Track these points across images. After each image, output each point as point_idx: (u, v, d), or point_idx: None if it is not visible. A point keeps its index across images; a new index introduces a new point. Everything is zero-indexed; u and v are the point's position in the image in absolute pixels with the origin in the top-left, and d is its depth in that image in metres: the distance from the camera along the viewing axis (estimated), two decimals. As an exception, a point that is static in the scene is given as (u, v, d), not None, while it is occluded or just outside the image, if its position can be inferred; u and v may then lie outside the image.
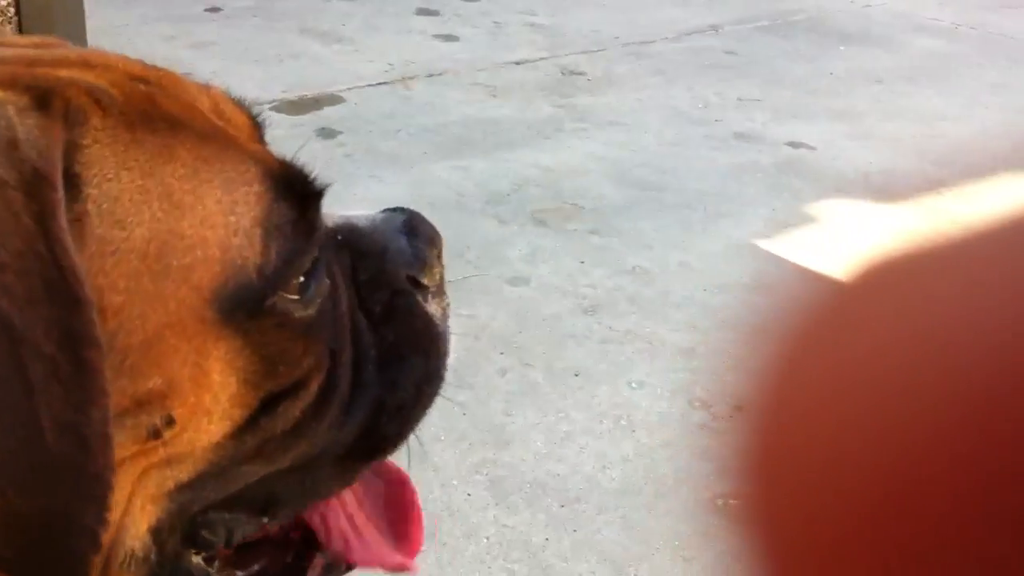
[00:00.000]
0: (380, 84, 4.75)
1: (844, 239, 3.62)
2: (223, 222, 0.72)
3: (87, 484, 0.62)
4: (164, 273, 0.69)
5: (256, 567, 0.90)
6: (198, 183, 0.72)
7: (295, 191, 0.78)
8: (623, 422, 2.53)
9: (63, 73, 0.72)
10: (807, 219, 3.75)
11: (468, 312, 2.91)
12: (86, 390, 0.61)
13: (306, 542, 0.95)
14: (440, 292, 0.96)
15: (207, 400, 0.72)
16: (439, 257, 0.96)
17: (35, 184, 0.61)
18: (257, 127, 0.86)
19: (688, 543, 2.13)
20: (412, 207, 0.98)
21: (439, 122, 4.37)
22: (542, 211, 3.66)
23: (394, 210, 0.98)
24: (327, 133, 4.13)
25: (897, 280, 0.27)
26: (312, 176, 0.81)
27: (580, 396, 2.63)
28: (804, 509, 0.26)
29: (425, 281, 0.93)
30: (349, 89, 4.65)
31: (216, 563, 0.85)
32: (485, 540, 2.10)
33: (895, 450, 0.23)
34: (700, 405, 2.62)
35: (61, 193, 0.62)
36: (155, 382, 0.69)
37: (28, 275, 0.59)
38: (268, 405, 0.77)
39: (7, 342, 0.58)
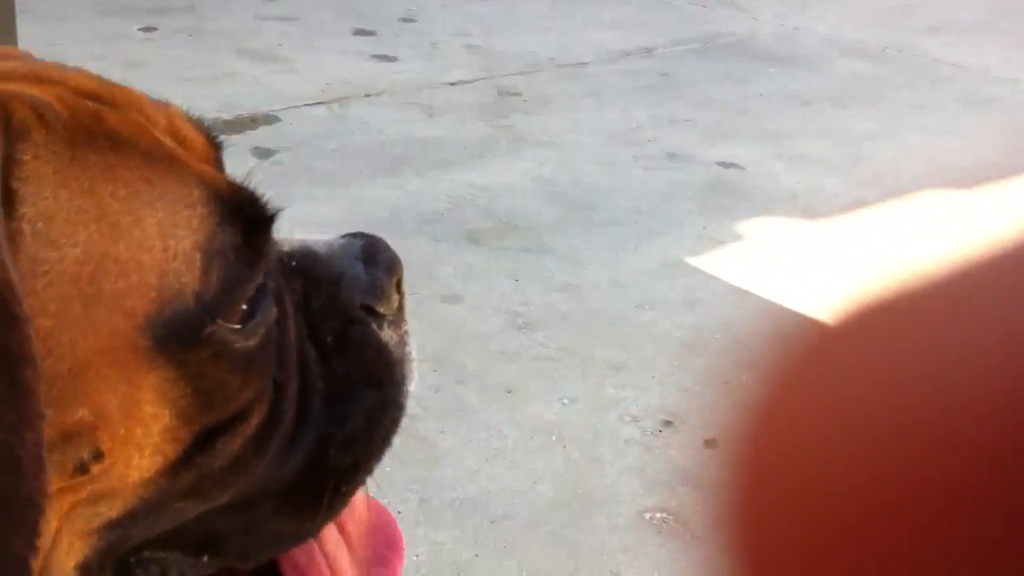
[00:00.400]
0: (316, 104, 4.76)
1: (772, 257, 3.69)
2: (161, 246, 0.69)
3: (18, 509, 0.59)
4: (96, 298, 0.65)
5: None
6: (138, 204, 0.69)
7: (242, 215, 0.74)
8: (554, 438, 2.56)
9: (8, 86, 0.70)
10: (736, 237, 3.82)
11: (401, 330, 2.93)
12: (20, 412, 0.58)
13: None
14: (398, 320, 0.92)
15: (138, 433, 0.69)
16: (399, 285, 0.93)
17: None
18: (214, 147, 0.83)
19: (615, 557, 2.16)
20: (348, 226, 0.96)
21: (375, 141, 4.39)
22: (476, 230, 3.69)
23: (354, 235, 0.94)
24: (262, 152, 4.13)
25: (887, 318, 0.26)
26: (262, 200, 0.78)
27: (512, 413, 2.65)
28: (791, 540, 0.25)
29: (381, 310, 0.89)
30: (285, 109, 4.65)
31: None
32: (415, 558, 2.11)
33: (889, 484, 0.23)
34: (630, 420, 2.66)
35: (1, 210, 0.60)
36: (83, 413, 0.65)
37: None
38: (204, 439, 0.73)
39: None
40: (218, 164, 0.82)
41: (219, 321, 0.71)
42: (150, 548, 0.77)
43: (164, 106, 0.81)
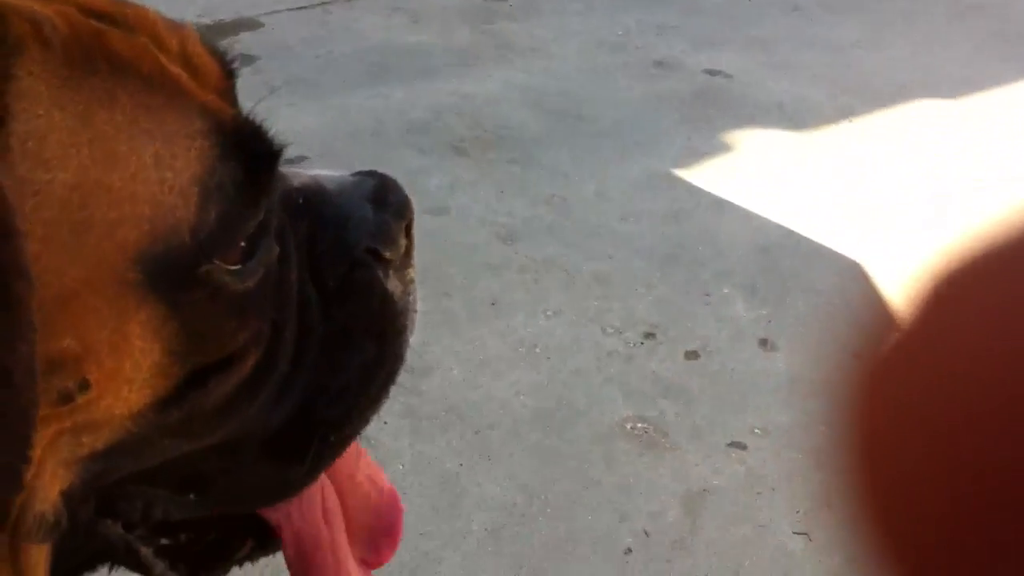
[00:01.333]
0: (299, 8, 4.69)
1: (757, 168, 3.69)
2: (157, 177, 0.66)
3: (10, 421, 0.59)
4: (86, 226, 0.63)
5: (182, 538, 0.86)
6: (135, 132, 0.66)
7: (246, 150, 0.72)
8: (537, 350, 2.59)
9: (10, 3, 0.66)
10: (722, 148, 3.81)
11: (386, 242, 2.94)
12: (13, 324, 0.58)
13: (244, 528, 0.91)
14: (404, 267, 0.89)
15: (127, 367, 0.67)
16: (408, 230, 0.90)
17: None
18: (228, 76, 0.79)
19: (596, 466, 2.21)
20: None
21: (358, 48, 4.34)
22: (462, 140, 3.67)
23: (367, 174, 0.91)
24: (245, 60, 4.07)
25: (984, 282, 0.26)
26: (268, 135, 0.76)
27: (496, 324, 2.68)
28: (916, 501, 0.25)
29: (387, 255, 0.86)
30: (268, 14, 4.58)
31: (137, 531, 0.81)
32: (400, 467, 2.15)
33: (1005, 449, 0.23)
34: (613, 332, 2.69)
35: None
36: (69, 343, 0.64)
37: None
38: (196, 378, 0.72)
39: None
40: (230, 94, 0.78)
41: (215, 260, 0.69)
42: (135, 482, 0.76)
43: (179, 29, 0.76)
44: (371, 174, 0.91)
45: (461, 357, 2.54)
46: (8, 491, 0.61)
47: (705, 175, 3.60)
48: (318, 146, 3.27)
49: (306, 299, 0.81)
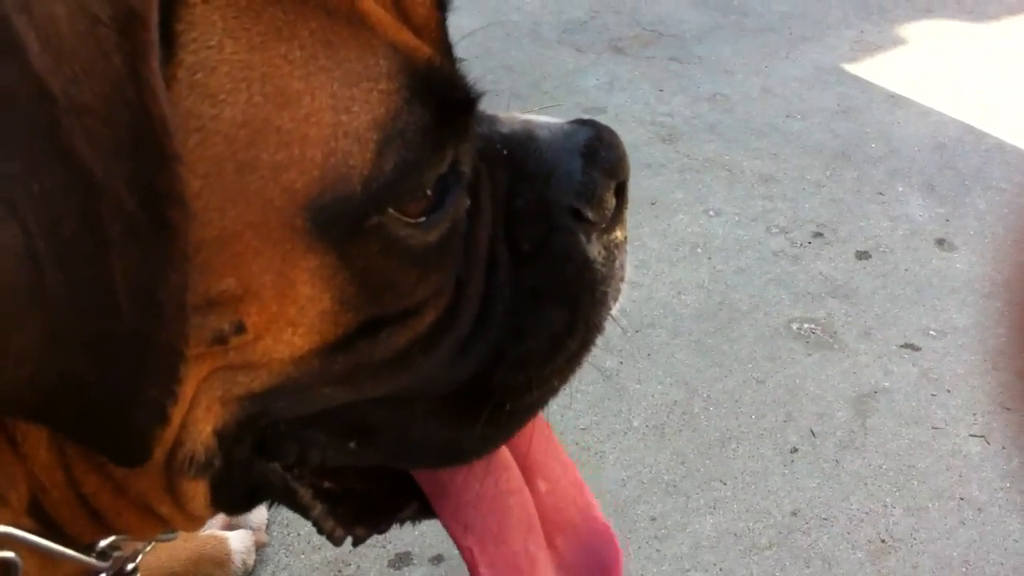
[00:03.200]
0: (454, -89, 4.62)
1: (933, 62, 3.48)
2: (332, 120, 0.62)
3: (156, 354, 0.57)
4: (252, 166, 0.60)
5: (342, 486, 0.84)
6: (313, 70, 0.61)
7: (436, 95, 0.66)
8: (699, 249, 2.53)
9: None
10: (896, 41, 3.61)
11: (544, 142, 2.89)
12: (166, 253, 0.55)
13: (406, 493, 0.88)
14: (610, 230, 0.81)
15: (291, 312, 0.64)
16: (621, 190, 0.82)
17: (130, 23, 0.53)
18: (439, 8, 0.73)
19: (761, 366, 2.15)
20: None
21: (515, -51, 4.26)
22: (620, 39, 3.58)
23: (582, 123, 0.83)
24: (401, -37, 4.06)
25: None
26: (463, 81, 0.70)
27: (656, 224, 2.62)
28: None
29: (591, 216, 0.79)
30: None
31: (295, 471, 0.79)
32: (560, 363, 2.14)
33: None
34: (778, 232, 2.60)
35: (156, 35, 0.54)
36: (229, 283, 0.62)
37: (114, 122, 0.52)
38: (368, 328, 0.68)
39: (84, 195, 0.52)
40: (438, 28, 0.72)
41: (390, 211, 0.65)
42: (294, 425, 0.74)
43: None
44: (587, 123, 0.83)
45: (621, 256, 2.49)
46: (152, 424, 0.59)
47: (878, 70, 3.41)
48: (476, 49, 3.23)
49: (496, 258, 0.76)
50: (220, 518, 1.64)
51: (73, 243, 0.52)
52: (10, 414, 0.58)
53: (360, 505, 0.85)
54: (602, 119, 2.71)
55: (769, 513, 1.81)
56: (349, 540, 0.86)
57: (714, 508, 1.82)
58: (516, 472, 0.91)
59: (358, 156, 0.62)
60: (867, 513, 1.82)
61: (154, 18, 0.54)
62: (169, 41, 0.57)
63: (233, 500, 0.76)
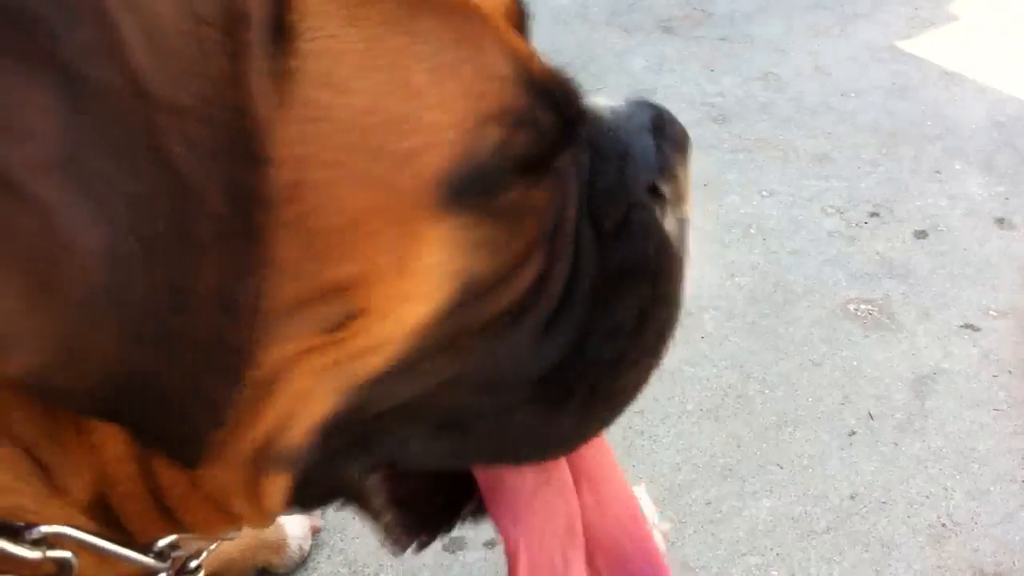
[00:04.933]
0: None
1: (991, 39, 3.41)
2: (464, 108, 0.62)
3: (225, 356, 0.56)
4: (378, 154, 0.59)
5: (408, 491, 0.83)
6: (438, 65, 0.61)
7: (550, 109, 0.67)
8: (752, 230, 2.50)
9: None
10: (951, 17, 3.54)
11: (594, 124, 2.87)
12: (251, 257, 0.54)
13: (465, 489, 0.87)
14: (679, 204, 0.83)
15: (410, 284, 0.64)
16: (685, 164, 0.84)
17: (234, 23, 0.52)
18: (521, 15, 0.74)
19: (818, 348, 2.12)
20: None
21: (561, -69, 4.23)
22: (668, 18, 3.54)
23: (640, 103, 0.85)
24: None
25: None
26: (577, 90, 0.72)
27: (709, 206, 2.59)
28: None
29: (667, 191, 0.80)
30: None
31: (372, 475, 0.79)
32: (613, 347, 2.12)
33: None
34: (833, 212, 2.56)
35: (261, 35, 0.53)
36: (348, 269, 0.61)
37: (212, 124, 0.51)
38: (468, 296, 0.68)
39: (176, 197, 0.51)
40: (523, 29, 0.73)
41: (511, 179, 0.66)
42: (392, 418, 0.73)
43: None
44: (645, 103, 0.84)
45: (672, 238, 2.47)
46: (208, 426, 0.58)
47: (933, 47, 3.35)
48: (523, 30, 3.20)
49: (580, 236, 0.76)
50: (275, 502, 1.65)
51: (160, 245, 0.51)
52: (78, 411, 0.57)
53: (426, 511, 0.85)
54: (651, 100, 2.67)
55: (827, 497, 1.79)
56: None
57: (770, 492, 1.80)
58: (568, 476, 0.90)
59: (487, 138, 0.63)
60: (927, 497, 1.79)
61: (260, 17, 0.53)
62: (285, 31, 0.56)
63: (309, 499, 0.76)
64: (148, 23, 0.49)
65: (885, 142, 2.85)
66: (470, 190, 0.63)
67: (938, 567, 1.66)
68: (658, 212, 0.79)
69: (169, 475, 0.66)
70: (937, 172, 2.72)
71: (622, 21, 3.51)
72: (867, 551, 1.69)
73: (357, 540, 1.69)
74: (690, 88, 3.13)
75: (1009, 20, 3.50)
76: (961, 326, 2.18)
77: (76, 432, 0.62)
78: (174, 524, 0.70)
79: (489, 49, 0.64)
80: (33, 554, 0.61)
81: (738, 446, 1.88)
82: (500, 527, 0.85)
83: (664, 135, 0.81)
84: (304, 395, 0.64)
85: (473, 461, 0.81)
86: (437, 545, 1.65)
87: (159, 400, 0.55)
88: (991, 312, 2.22)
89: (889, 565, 1.67)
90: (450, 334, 0.68)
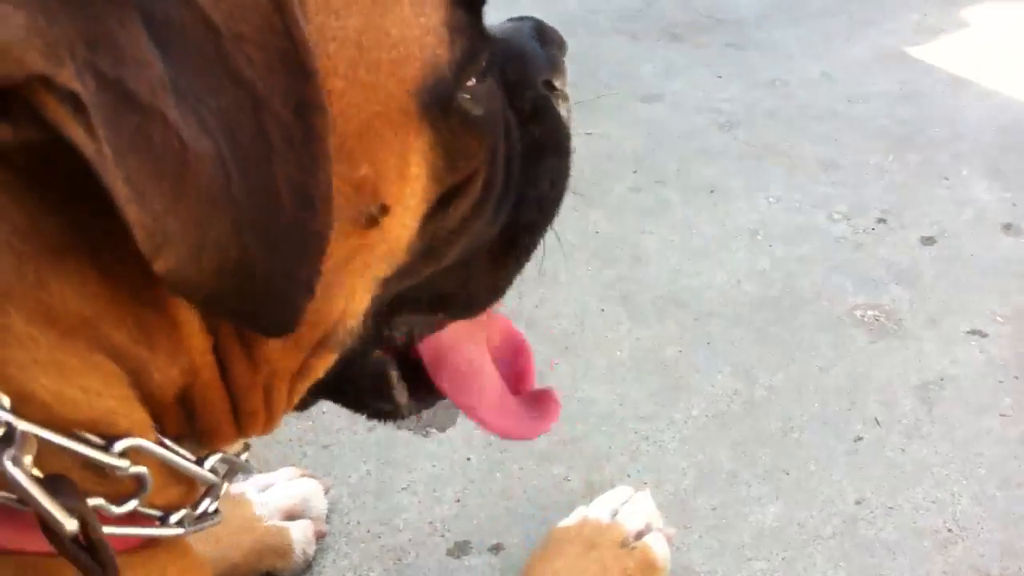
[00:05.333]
0: (508, -98, 4.62)
1: (998, 45, 3.41)
2: (417, 23, 0.76)
3: (309, 240, 0.66)
4: (376, 65, 0.73)
5: (411, 366, 1.01)
6: None
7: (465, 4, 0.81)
8: (759, 237, 2.50)
9: None
10: (959, 24, 3.54)
11: (600, 131, 2.88)
12: (315, 154, 0.64)
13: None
14: (566, 96, 1.01)
15: (406, 193, 0.78)
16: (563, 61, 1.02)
17: None
18: None
19: (824, 355, 2.12)
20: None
21: (569, -62, 4.24)
22: (676, 25, 3.54)
23: (519, 18, 1.04)
24: (455, -45, 4.06)
25: None
26: None
27: (715, 212, 2.59)
28: None
29: (558, 85, 0.99)
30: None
31: (386, 359, 0.96)
32: (618, 353, 2.13)
33: None
34: (840, 218, 2.56)
35: None
36: (366, 169, 0.74)
37: (266, 47, 0.61)
38: (443, 202, 0.83)
39: (252, 109, 0.61)
40: None
41: (460, 86, 0.80)
42: (399, 304, 0.88)
43: None
44: (523, 18, 1.04)
45: (678, 245, 2.47)
46: (303, 298, 0.67)
47: (941, 53, 3.35)
48: (530, 37, 3.21)
49: (509, 124, 0.93)
50: (280, 508, 1.65)
51: (248, 149, 0.61)
52: (191, 299, 0.64)
53: (424, 380, 1.03)
54: (659, 106, 2.69)
55: (833, 502, 1.79)
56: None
57: (776, 498, 1.79)
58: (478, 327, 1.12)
59: (440, 47, 0.77)
60: (933, 502, 1.79)
61: None
62: None
63: (329, 385, 0.88)
64: None
65: (892, 148, 2.85)
66: (436, 100, 0.77)
67: (944, 572, 1.66)
68: (555, 100, 0.99)
69: (239, 363, 0.76)
70: (944, 178, 2.72)
71: (629, 27, 3.52)
72: (873, 556, 1.69)
73: (362, 545, 1.69)
74: (697, 94, 3.13)
75: (1017, 26, 3.50)
76: (968, 332, 2.18)
77: (168, 330, 0.70)
78: (234, 419, 0.79)
79: None
80: (122, 462, 0.69)
81: (744, 452, 1.88)
82: (453, 399, 1.06)
83: (549, 40, 1.01)
84: (351, 290, 0.79)
85: (453, 319, 1.00)
86: (442, 549, 1.66)
87: (263, 282, 0.64)
88: (998, 318, 2.22)
89: (895, 570, 1.66)
90: (430, 240, 0.84)
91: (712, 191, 2.67)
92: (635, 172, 2.74)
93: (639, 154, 2.82)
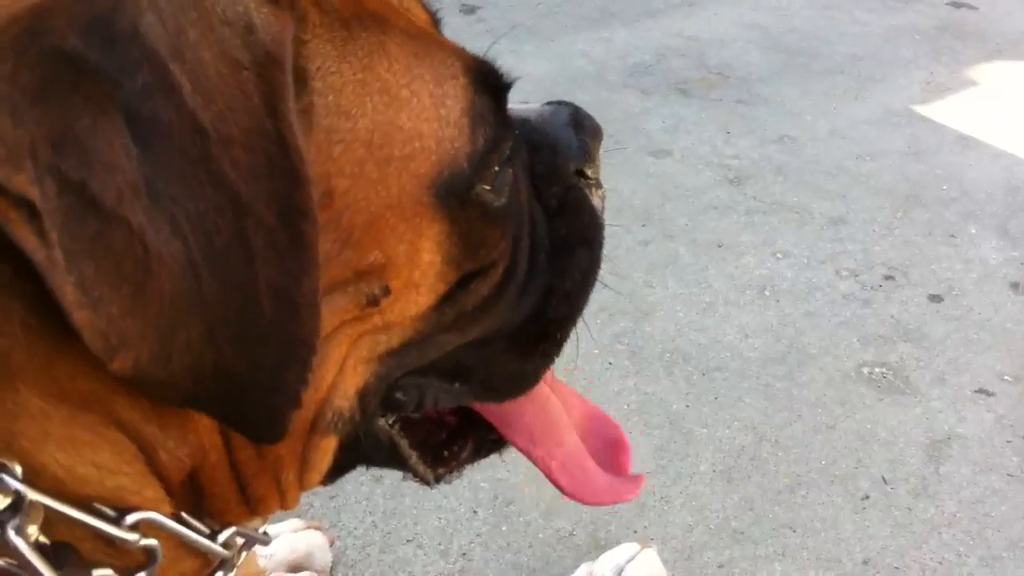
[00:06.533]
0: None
1: (1005, 103, 3.43)
2: (436, 115, 0.76)
3: (294, 347, 0.65)
4: (386, 161, 0.73)
5: (423, 435, 0.99)
6: (412, 78, 0.76)
7: (490, 83, 0.82)
8: (767, 292, 2.50)
9: None
10: (967, 83, 3.57)
11: (610, 186, 2.89)
12: (300, 261, 0.63)
13: (469, 424, 1.04)
14: (599, 184, 1.00)
15: (417, 275, 0.78)
16: (598, 150, 1.01)
17: (267, 66, 0.63)
18: (436, 22, 0.88)
19: (831, 411, 2.12)
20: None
21: (581, -6, 4.29)
22: (685, 81, 3.58)
23: (557, 103, 1.02)
24: (467, 9, 4.11)
25: None
26: (502, 69, 0.85)
27: (723, 267, 2.60)
28: None
29: (590, 174, 0.98)
30: (490, -36, 4.60)
31: (397, 426, 0.93)
32: (626, 407, 2.13)
33: None
34: (848, 274, 2.57)
35: (290, 77, 0.64)
36: (375, 255, 0.74)
37: (254, 150, 0.61)
38: (463, 283, 0.83)
39: (233, 213, 0.60)
40: (439, 29, 0.88)
41: (481, 181, 0.80)
42: (414, 376, 0.88)
43: None
44: (561, 103, 1.02)
45: (686, 299, 2.48)
46: (288, 407, 0.67)
47: (948, 111, 3.37)
48: (541, 93, 3.25)
49: (533, 216, 0.93)
50: (285, 561, 1.65)
51: (224, 254, 0.60)
52: (170, 400, 0.65)
53: (439, 449, 1.01)
54: (667, 161, 2.71)
55: (840, 562, 1.78)
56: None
57: (783, 555, 1.79)
58: (548, 393, 1.11)
59: (459, 139, 0.77)
60: (940, 563, 1.78)
61: (288, 61, 0.64)
62: (300, 75, 0.67)
63: (349, 459, 0.87)
64: (195, 69, 0.60)
65: (900, 205, 2.87)
66: (452, 192, 0.78)
67: (952, 635, 1.65)
68: (586, 191, 0.97)
69: (244, 449, 0.76)
70: (952, 236, 2.73)
71: (639, 83, 3.56)
72: (880, 617, 1.68)
73: (367, 598, 1.69)
74: (706, 150, 3.16)
75: (1022, 86, 3.53)
76: (975, 391, 2.18)
77: (177, 412, 0.70)
78: (244, 501, 0.79)
79: (440, 54, 0.78)
80: (131, 536, 0.68)
81: (751, 508, 1.88)
82: (525, 452, 1.05)
83: (583, 128, 0.99)
84: (344, 363, 0.77)
85: (470, 401, 0.98)
86: (447, 604, 1.65)
87: (243, 388, 0.64)
88: (1005, 377, 2.22)
89: (902, 632, 1.65)
90: (454, 316, 0.84)
91: (720, 246, 2.69)
92: (644, 226, 2.76)
93: (648, 208, 2.84)
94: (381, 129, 0.73)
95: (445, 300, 0.82)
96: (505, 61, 0.87)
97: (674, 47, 3.81)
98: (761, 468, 1.97)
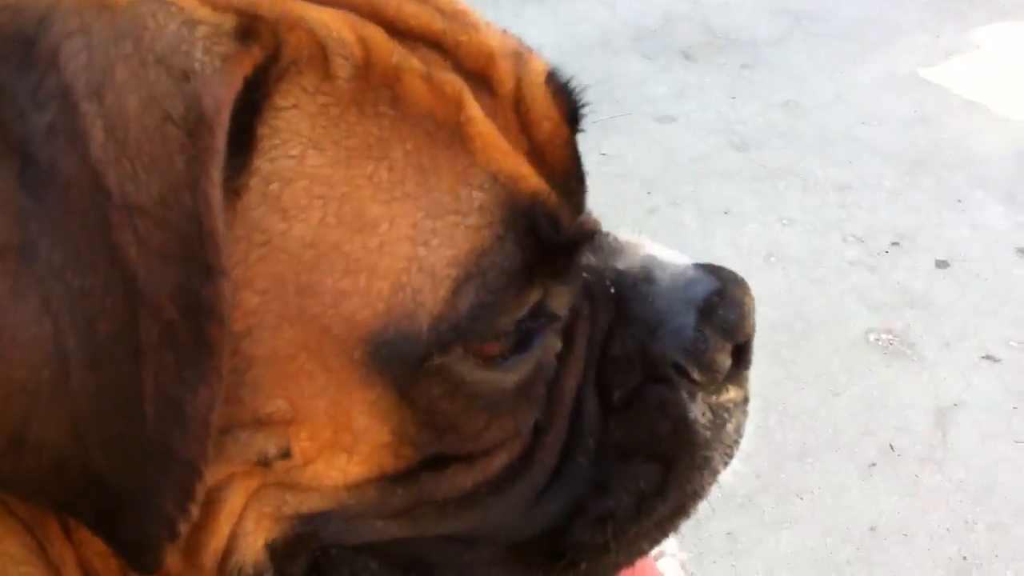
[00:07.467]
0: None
1: (1012, 68, 3.41)
2: (407, 252, 0.58)
3: (176, 469, 0.54)
4: (313, 289, 0.57)
5: None
6: (397, 196, 0.58)
7: (536, 234, 0.62)
8: (773, 259, 2.50)
9: (311, 12, 0.58)
10: (973, 47, 3.54)
11: (614, 152, 2.89)
12: (200, 368, 0.53)
13: None
14: (720, 391, 0.73)
15: (347, 439, 0.61)
16: (741, 351, 0.75)
17: (198, 125, 0.51)
18: (570, 122, 0.70)
19: (837, 378, 2.12)
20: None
21: (584, -42, 4.26)
22: (691, 46, 3.56)
23: (709, 270, 0.76)
24: (470, -26, 4.08)
25: None
26: (571, 221, 0.65)
27: (728, 233, 2.60)
28: None
29: (697, 377, 0.71)
30: (492, -72, 4.55)
31: None
32: (633, 375, 2.13)
33: None
34: (854, 241, 2.56)
35: (222, 143, 0.52)
36: (279, 405, 0.59)
37: (166, 227, 0.51)
38: (432, 464, 0.64)
39: (124, 298, 0.51)
40: (565, 148, 0.68)
41: (459, 352, 0.61)
42: (346, 551, 0.69)
43: (525, 60, 0.66)
44: (714, 272, 0.76)
45: (693, 266, 2.47)
46: (162, 537, 0.56)
47: (955, 75, 3.35)
48: (545, 59, 3.21)
49: (583, 405, 0.70)
50: None
51: (106, 345, 0.50)
52: (36, 502, 0.57)
53: None
54: (672, 127, 2.68)
55: (847, 529, 1.79)
56: None
57: (791, 523, 1.80)
58: None
59: (429, 293, 0.58)
60: (948, 530, 1.79)
61: (223, 124, 0.52)
62: (248, 145, 0.55)
63: None
64: (113, 114, 0.50)
65: (906, 171, 2.86)
66: (395, 356, 0.59)
67: (959, 601, 1.66)
68: (684, 394, 0.71)
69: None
70: (959, 201, 2.72)
71: (644, 48, 3.54)
72: (887, 584, 1.69)
73: None
74: (711, 115, 3.14)
75: (1031, 49, 3.51)
76: (982, 357, 2.18)
77: (61, 528, 0.61)
78: None
79: (462, 177, 0.59)
80: None
81: (758, 477, 1.89)
82: None
83: (713, 317, 0.72)
84: (243, 513, 0.63)
85: None
86: None
87: (112, 501, 0.54)
88: (1012, 343, 2.22)
89: (909, 598, 1.67)
90: (407, 502, 0.65)
91: (726, 212, 2.68)
92: (649, 193, 2.75)
93: (653, 175, 2.83)
94: (320, 247, 0.56)
95: (398, 479, 0.64)
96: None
97: (679, 12, 3.79)
98: (769, 436, 1.97)
